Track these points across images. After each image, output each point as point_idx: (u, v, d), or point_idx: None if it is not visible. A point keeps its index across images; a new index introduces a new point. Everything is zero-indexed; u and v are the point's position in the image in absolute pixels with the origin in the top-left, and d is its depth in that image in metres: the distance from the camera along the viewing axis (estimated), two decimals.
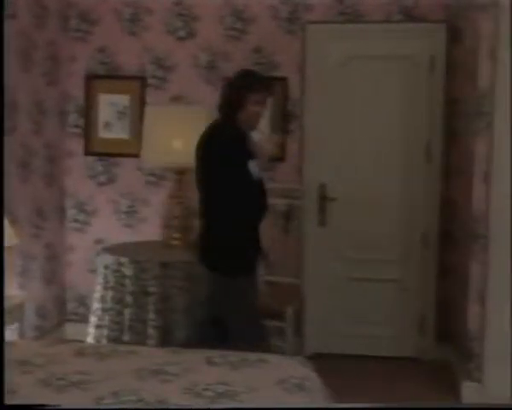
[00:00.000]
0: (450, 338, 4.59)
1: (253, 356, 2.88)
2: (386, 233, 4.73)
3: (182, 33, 4.79)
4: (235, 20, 4.73)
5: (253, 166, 3.27)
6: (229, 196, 3.28)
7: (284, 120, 4.73)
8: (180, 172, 4.33)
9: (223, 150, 3.28)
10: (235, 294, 3.36)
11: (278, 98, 4.66)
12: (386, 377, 4.40)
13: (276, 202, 4.63)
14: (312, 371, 2.83)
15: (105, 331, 3.99)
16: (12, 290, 4.08)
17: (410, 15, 4.59)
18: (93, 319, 4.08)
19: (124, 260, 3.99)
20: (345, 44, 4.66)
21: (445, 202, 4.62)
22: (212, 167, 3.32)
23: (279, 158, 4.69)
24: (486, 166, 3.93)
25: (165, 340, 3.82)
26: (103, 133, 4.88)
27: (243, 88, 3.34)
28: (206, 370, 2.68)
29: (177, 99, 4.79)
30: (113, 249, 4.22)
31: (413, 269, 4.72)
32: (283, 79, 4.71)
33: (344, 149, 4.71)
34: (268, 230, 4.62)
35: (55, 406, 2.29)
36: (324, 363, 4.46)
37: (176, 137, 4.16)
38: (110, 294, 4.00)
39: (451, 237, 4.60)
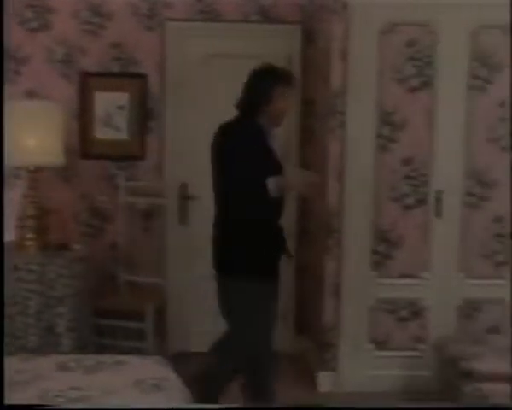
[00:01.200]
0: (308, 331, 4.75)
1: (109, 359, 2.83)
2: None
3: (34, 25, 4.59)
4: (92, 14, 4.59)
5: (272, 183, 3.05)
6: (246, 195, 3.10)
7: (144, 118, 4.66)
8: (34, 171, 4.14)
9: (237, 149, 3.11)
10: (251, 300, 3.18)
11: (137, 95, 4.60)
12: None
13: (136, 201, 4.57)
14: (172, 370, 2.81)
15: None
16: None
17: (267, 16, 4.68)
18: None
19: None
20: (204, 42, 4.67)
21: (302, 198, 4.77)
22: (225, 167, 3.15)
23: (139, 156, 4.64)
24: (340, 163, 4.09)
25: (16, 346, 3.63)
26: None
27: (270, 81, 3.17)
28: (57, 376, 2.58)
29: (30, 94, 4.59)
30: None
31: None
32: (143, 76, 4.64)
33: (205, 148, 4.68)
34: (128, 229, 4.57)
35: (54, 406, 2.28)
36: (189, 362, 4.47)
37: (29, 134, 3.97)
38: None
39: (308, 233, 4.76)
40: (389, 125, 4.07)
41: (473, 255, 4.15)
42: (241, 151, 3.10)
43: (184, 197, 4.71)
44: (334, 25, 4.04)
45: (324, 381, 4.20)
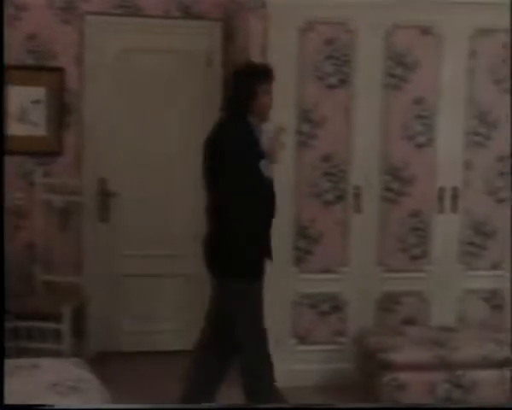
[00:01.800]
0: None
1: (25, 362, 2.76)
2: (171, 228, 4.76)
3: None
4: (5, 4, 4.44)
5: (265, 166, 3.14)
6: (240, 197, 3.12)
7: (61, 113, 4.55)
8: None
9: (233, 149, 3.13)
10: (249, 300, 3.21)
11: (54, 90, 4.48)
12: (176, 372, 4.42)
13: (52, 199, 4.46)
14: (89, 371, 2.76)
15: None
16: None
17: (187, 12, 4.66)
18: None
19: None
20: (124, 37, 4.60)
21: None
22: (223, 167, 3.15)
23: (57, 152, 4.53)
24: None
25: None
26: None
27: (252, 79, 3.21)
28: None
29: None
30: None
31: (197, 263, 4.77)
32: (60, 70, 4.53)
33: (125, 143, 4.65)
34: (45, 227, 4.45)
35: (54, 406, 2.34)
36: (110, 362, 4.41)
37: None
38: None
39: None
40: (308, 122, 4.12)
41: (390, 249, 4.26)
42: (240, 153, 3.14)
43: (104, 194, 4.63)
44: (254, 22, 4.06)
45: None
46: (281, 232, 4.12)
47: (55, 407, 2.33)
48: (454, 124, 4.24)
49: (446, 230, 4.29)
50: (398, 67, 4.15)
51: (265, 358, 3.31)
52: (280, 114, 4.06)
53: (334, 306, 4.24)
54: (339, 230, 4.19)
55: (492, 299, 4.41)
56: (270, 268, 4.11)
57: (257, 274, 3.24)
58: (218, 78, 4.70)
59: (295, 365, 4.21)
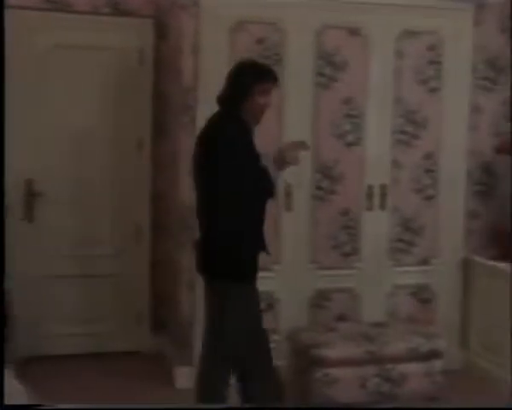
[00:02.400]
0: (165, 328, 4.71)
1: None
2: (100, 227, 4.68)
3: None
4: None
5: (270, 168, 3.13)
6: (232, 194, 3.03)
7: None
8: None
9: (223, 148, 3.04)
10: (234, 301, 3.14)
11: None
12: (107, 374, 4.35)
13: None
14: (13, 377, 2.69)
15: None
16: None
17: (118, 9, 4.59)
18: None
19: None
20: (52, 33, 4.48)
21: (157, 193, 4.73)
22: (215, 164, 3.06)
23: None
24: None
25: None
26: None
27: (247, 77, 3.13)
28: None
29: None
30: None
31: (127, 262, 4.74)
32: None
33: (52, 143, 4.54)
34: None
35: (53, 406, 2.37)
36: (38, 367, 4.30)
37: None
38: None
39: (163, 228, 4.72)
40: None
41: (322, 247, 4.32)
42: (229, 151, 3.05)
43: (30, 194, 4.51)
44: (185, 21, 4.04)
45: (182, 377, 4.18)
46: None
47: (55, 407, 2.34)
48: (382, 123, 4.33)
49: (375, 227, 4.38)
50: (328, 67, 4.21)
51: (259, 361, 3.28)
52: (212, 113, 4.06)
53: (268, 304, 4.25)
54: (270, 228, 4.21)
55: (421, 294, 4.53)
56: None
57: (244, 274, 3.18)
58: (150, 76, 4.66)
59: None
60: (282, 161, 3.22)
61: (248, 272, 3.21)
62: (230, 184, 3.07)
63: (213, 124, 3.20)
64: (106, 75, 4.60)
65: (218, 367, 3.23)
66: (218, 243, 3.14)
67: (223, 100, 3.21)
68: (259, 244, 3.25)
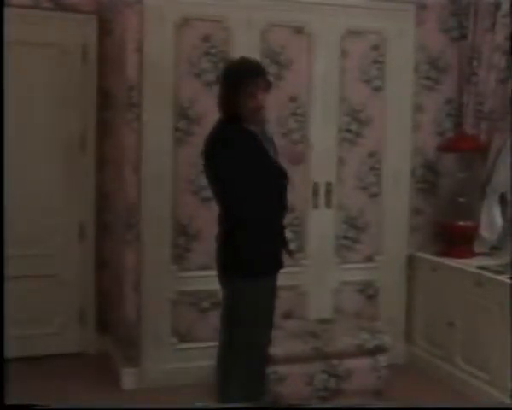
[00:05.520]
0: (110, 328, 4.64)
1: None
2: (43, 227, 4.57)
3: None
4: None
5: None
6: (246, 197, 3.02)
7: None
8: None
9: (222, 155, 3.02)
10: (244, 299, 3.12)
11: None
12: (51, 377, 4.26)
13: None
14: None
15: None
16: None
17: (59, 4, 4.49)
18: None
19: None
20: None
21: (101, 192, 4.65)
22: (223, 171, 3.04)
23: None
24: (136, 156, 4.04)
25: None
26: None
27: (233, 77, 3.06)
28: None
29: None
30: None
31: (71, 262, 4.65)
32: None
33: None
34: None
35: (53, 406, 2.43)
36: None
37: None
38: None
39: (107, 228, 4.65)
40: (186, 118, 4.10)
41: None
42: (229, 159, 3.03)
43: None
44: (129, 17, 3.99)
45: (128, 378, 4.14)
46: (159, 230, 4.10)
47: (55, 407, 2.36)
48: (327, 121, 4.37)
49: (321, 224, 4.41)
50: (274, 65, 4.22)
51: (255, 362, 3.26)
52: (157, 111, 4.03)
53: (215, 302, 4.24)
54: (217, 226, 4.19)
55: (366, 290, 4.59)
56: (148, 267, 4.10)
57: (254, 272, 3.13)
58: (93, 73, 4.58)
59: (176, 363, 4.19)
60: (287, 160, 3.25)
61: (263, 268, 3.16)
62: (230, 190, 3.06)
63: (215, 131, 3.17)
64: (49, 72, 4.50)
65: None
66: (227, 242, 3.20)
67: (219, 104, 3.17)
68: (279, 242, 3.26)
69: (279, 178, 3.17)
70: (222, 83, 3.16)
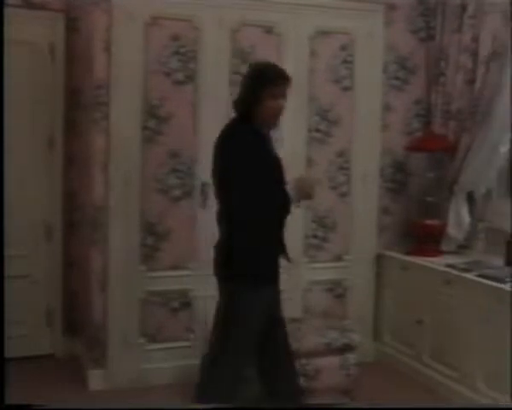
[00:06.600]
0: (79, 330, 4.60)
1: None
2: (9, 227, 4.49)
3: None
4: None
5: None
6: (249, 200, 2.98)
7: None
8: None
9: (232, 156, 3.02)
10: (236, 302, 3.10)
11: None
12: (18, 378, 4.19)
13: None
14: None
15: None
16: None
17: (26, 1, 4.43)
18: None
19: None
20: None
21: (68, 191, 4.60)
22: (229, 171, 3.03)
23: None
24: (104, 156, 4.01)
25: None
26: None
27: (257, 81, 3.06)
28: None
29: None
30: None
31: (39, 262, 4.59)
32: None
33: None
34: None
35: (52, 406, 2.43)
36: None
37: None
38: None
39: (75, 228, 4.60)
40: (155, 117, 4.08)
41: None
42: (239, 160, 3.02)
43: None
44: (97, 15, 3.96)
45: (95, 379, 4.10)
46: (127, 230, 4.07)
47: (55, 407, 2.27)
48: (297, 121, 4.37)
49: (291, 224, 4.39)
50: (244, 65, 4.20)
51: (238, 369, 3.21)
52: (125, 110, 4.00)
53: (184, 302, 4.23)
54: (186, 226, 4.19)
55: (335, 289, 4.61)
56: (116, 267, 4.06)
57: (269, 278, 3.15)
58: (61, 71, 4.53)
59: (146, 364, 4.17)
60: (297, 195, 3.17)
61: (264, 275, 3.14)
62: (237, 192, 3.03)
63: (226, 131, 3.16)
64: (16, 70, 4.43)
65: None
66: (228, 248, 3.13)
67: (237, 104, 3.18)
68: (278, 249, 3.24)
69: (282, 182, 3.17)
70: (247, 82, 3.15)
